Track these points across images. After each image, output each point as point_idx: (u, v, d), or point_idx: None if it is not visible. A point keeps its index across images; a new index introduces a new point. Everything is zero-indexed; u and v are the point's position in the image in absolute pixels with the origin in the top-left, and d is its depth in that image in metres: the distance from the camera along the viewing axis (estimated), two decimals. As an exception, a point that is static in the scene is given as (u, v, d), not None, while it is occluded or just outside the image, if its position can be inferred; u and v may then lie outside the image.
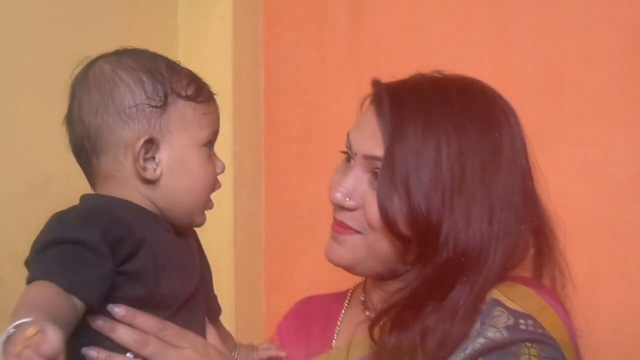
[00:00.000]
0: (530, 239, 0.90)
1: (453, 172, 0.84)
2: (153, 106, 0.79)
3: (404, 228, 0.84)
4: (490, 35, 1.36)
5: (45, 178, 1.21)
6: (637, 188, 1.19)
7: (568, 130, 1.25)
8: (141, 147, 0.77)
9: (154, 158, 0.79)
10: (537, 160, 1.28)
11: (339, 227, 0.90)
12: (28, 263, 0.70)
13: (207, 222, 0.88)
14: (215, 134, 0.84)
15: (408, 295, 0.87)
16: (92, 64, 0.79)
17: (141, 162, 0.78)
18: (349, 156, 0.92)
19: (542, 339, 0.81)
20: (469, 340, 0.81)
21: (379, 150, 0.87)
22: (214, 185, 0.85)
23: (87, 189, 0.81)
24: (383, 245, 0.87)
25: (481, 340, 0.81)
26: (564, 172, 1.25)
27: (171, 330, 0.76)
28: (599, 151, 1.23)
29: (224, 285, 1.54)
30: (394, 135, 0.86)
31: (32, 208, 1.18)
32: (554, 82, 1.28)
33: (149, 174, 0.79)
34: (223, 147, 1.54)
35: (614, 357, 1.19)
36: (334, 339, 1.00)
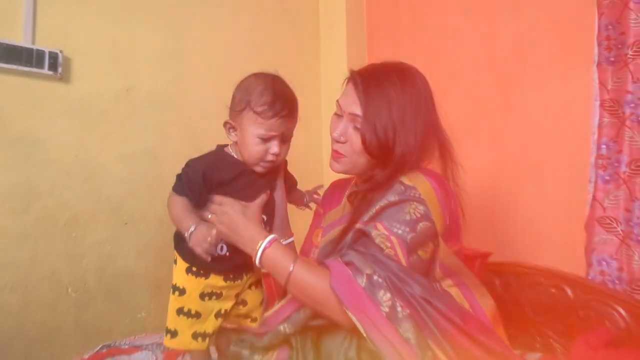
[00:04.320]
0: (436, 148, 1.23)
1: (398, 118, 1.16)
2: (235, 110, 1.22)
3: (375, 151, 1.17)
4: (485, 26, 1.93)
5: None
6: (568, 112, 1.69)
7: (527, 79, 1.78)
8: (224, 124, 1.25)
9: (236, 131, 1.24)
10: (512, 96, 1.82)
11: (336, 154, 1.24)
12: (176, 180, 1.22)
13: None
14: (267, 134, 1.19)
15: (369, 183, 1.21)
16: None
17: (227, 131, 1.24)
18: (338, 115, 1.26)
19: (418, 200, 1.11)
20: (380, 201, 1.14)
21: (357, 110, 1.19)
22: (263, 157, 1.21)
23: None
24: (359, 161, 1.22)
25: (385, 201, 1.13)
26: (526, 104, 1.79)
27: (220, 199, 1.21)
28: (545, 91, 1.74)
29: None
30: (365, 102, 1.17)
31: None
32: (520, 52, 1.80)
33: (231, 138, 1.25)
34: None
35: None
36: (342, 202, 1.37)
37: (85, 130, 1.79)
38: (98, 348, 1.64)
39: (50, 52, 1.70)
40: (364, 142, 1.17)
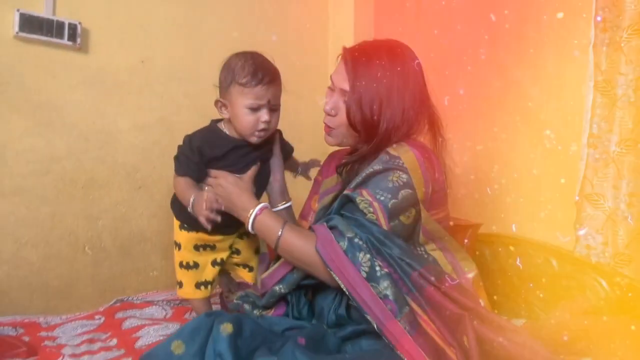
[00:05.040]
0: (426, 123, 1.27)
1: (384, 94, 1.19)
2: (222, 87, 1.28)
3: (359, 125, 1.22)
4: (487, 5, 1.93)
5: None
6: (563, 91, 1.71)
7: (525, 58, 1.80)
8: (215, 103, 1.30)
9: (227, 108, 1.28)
10: (511, 75, 1.83)
11: (327, 128, 1.30)
12: (175, 163, 1.31)
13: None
14: (257, 102, 1.24)
15: (357, 155, 1.26)
16: None
17: (219, 109, 1.30)
18: (331, 89, 1.30)
19: (401, 169, 1.15)
20: (366, 170, 1.19)
21: (346, 86, 1.23)
22: (255, 126, 1.26)
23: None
24: (349, 134, 1.27)
25: (370, 169, 1.18)
26: (523, 83, 1.81)
27: (215, 172, 1.29)
28: (541, 70, 1.76)
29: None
30: (353, 78, 1.21)
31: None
32: (519, 32, 1.82)
33: (223, 115, 1.31)
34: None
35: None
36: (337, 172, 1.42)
37: (102, 99, 1.86)
38: (112, 302, 1.74)
39: (69, 23, 1.76)
40: (348, 116, 1.22)
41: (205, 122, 1.98)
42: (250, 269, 1.49)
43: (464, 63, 2.01)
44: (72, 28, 1.77)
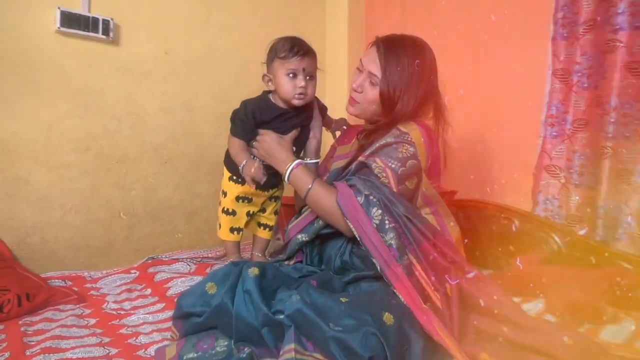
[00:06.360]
0: (432, 108, 1.43)
1: (405, 83, 1.36)
2: (268, 63, 1.49)
3: (385, 102, 1.39)
4: (464, 3, 2.12)
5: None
6: (526, 78, 1.91)
7: (495, 49, 2.00)
8: (262, 77, 1.50)
9: (272, 80, 1.49)
10: (482, 64, 2.03)
11: (352, 101, 1.46)
12: (231, 124, 1.52)
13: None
14: (293, 70, 1.43)
15: (373, 127, 1.43)
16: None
17: (265, 83, 1.50)
18: (360, 70, 1.46)
19: (409, 142, 1.33)
20: (379, 141, 1.35)
21: (375, 70, 1.40)
22: (294, 91, 1.45)
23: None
24: (368, 109, 1.44)
25: (383, 141, 1.35)
26: (493, 70, 2.02)
27: (263, 131, 1.48)
28: (508, 60, 1.96)
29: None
30: (384, 64, 1.38)
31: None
32: (490, 27, 2.00)
33: (269, 87, 1.51)
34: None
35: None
36: (351, 142, 1.58)
37: (132, 85, 2.08)
38: (145, 259, 1.96)
39: (103, 19, 1.97)
40: (381, 94, 1.39)
41: (220, 106, 2.20)
42: (270, 229, 1.74)
43: (442, 52, 2.15)
44: (106, 23, 1.98)
